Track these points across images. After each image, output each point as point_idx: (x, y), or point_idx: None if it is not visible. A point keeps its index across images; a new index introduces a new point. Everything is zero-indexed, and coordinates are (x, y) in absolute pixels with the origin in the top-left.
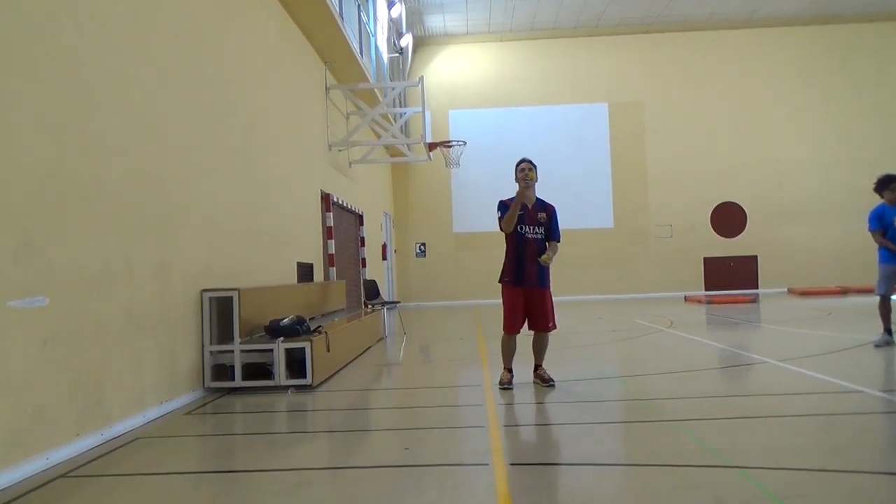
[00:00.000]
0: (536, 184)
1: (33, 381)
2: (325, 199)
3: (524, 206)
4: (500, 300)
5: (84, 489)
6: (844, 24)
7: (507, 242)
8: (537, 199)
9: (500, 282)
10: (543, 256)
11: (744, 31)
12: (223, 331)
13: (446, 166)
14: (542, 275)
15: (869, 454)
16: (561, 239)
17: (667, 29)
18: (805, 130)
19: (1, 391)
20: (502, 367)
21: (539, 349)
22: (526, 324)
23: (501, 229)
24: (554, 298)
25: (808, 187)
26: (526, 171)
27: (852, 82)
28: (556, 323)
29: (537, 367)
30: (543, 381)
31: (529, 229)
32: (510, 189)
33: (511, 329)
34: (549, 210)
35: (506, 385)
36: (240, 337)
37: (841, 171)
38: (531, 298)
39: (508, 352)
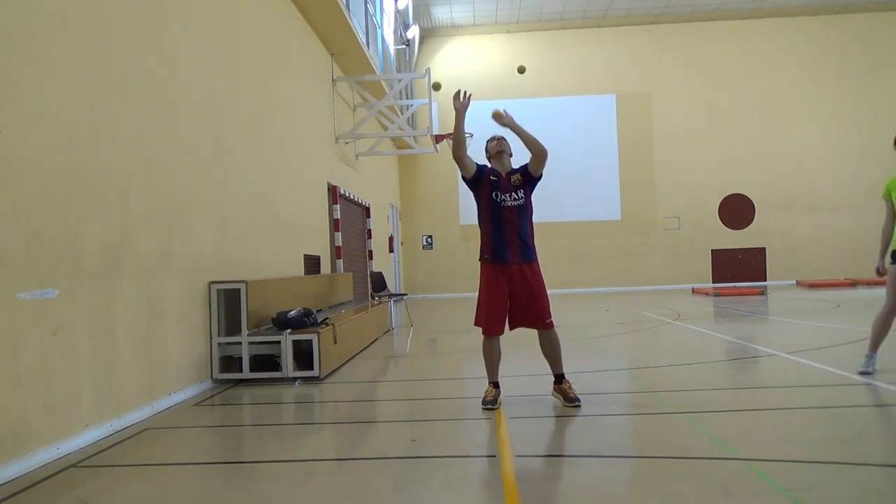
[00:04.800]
0: (512, 158)
1: (43, 372)
2: (333, 191)
3: (497, 174)
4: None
5: (94, 479)
6: (855, 13)
7: (480, 214)
8: (512, 167)
9: (479, 260)
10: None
11: (753, 21)
12: (231, 322)
13: (453, 158)
14: (528, 248)
15: (877, 446)
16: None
17: (675, 19)
18: (814, 122)
19: (11, 382)
20: (487, 380)
21: (550, 354)
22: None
23: (456, 159)
24: (560, 290)
25: (817, 179)
26: (497, 139)
27: (863, 73)
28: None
29: (558, 377)
30: (567, 399)
31: (507, 196)
32: None
33: (490, 328)
34: (522, 167)
35: (489, 405)
36: (247, 329)
37: (850, 163)
38: (517, 278)
39: (492, 360)
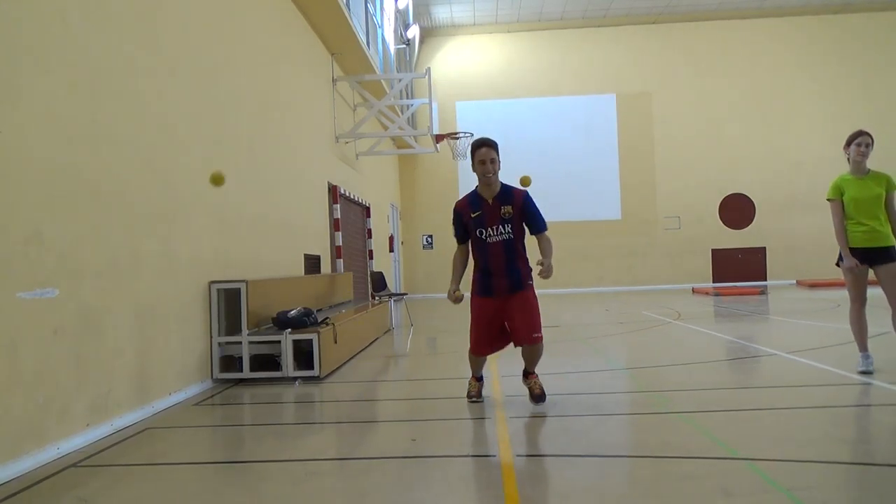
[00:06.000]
0: (500, 171)
1: (43, 371)
2: (333, 190)
3: (482, 203)
4: None
5: (95, 478)
6: (855, 13)
7: (471, 247)
8: (501, 186)
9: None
10: (541, 270)
11: (753, 21)
12: (231, 322)
13: (453, 158)
14: (515, 279)
15: (877, 446)
16: (547, 227)
17: (675, 19)
18: (814, 121)
19: (12, 382)
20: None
21: (528, 357)
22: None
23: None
24: (560, 290)
25: (817, 178)
26: (486, 161)
27: (863, 72)
28: (542, 333)
29: (527, 373)
30: (533, 395)
31: (492, 231)
32: (517, 183)
33: (476, 349)
34: (518, 199)
35: (474, 398)
36: (248, 328)
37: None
38: (507, 306)
39: (475, 365)
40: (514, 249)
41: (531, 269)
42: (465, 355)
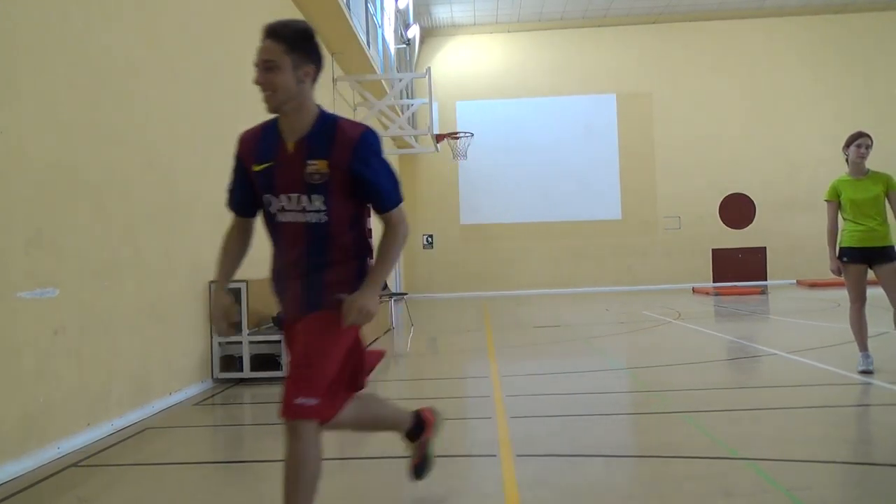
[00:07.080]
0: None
1: (44, 371)
2: None
3: (278, 145)
4: (505, 292)
5: (95, 478)
6: (855, 13)
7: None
8: (319, 117)
9: None
10: (344, 305)
11: (753, 21)
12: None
13: (453, 158)
14: (314, 288)
15: (877, 446)
16: (401, 203)
17: (675, 19)
18: (815, 121)
19: (13, 381)
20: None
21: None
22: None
23: None
24: (560, 290)
25: (817, 178)
26: (260, 65)
27: (863, 72)
28: (323, 397)
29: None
30: (410, 465)
31: (285, 201)
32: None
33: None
34: (346, 144)
35: None
36: (248, 328)
37: None
38: (291, 334)
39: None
40: (327, 238)
41: (361, 270)
42: (465, 355)
